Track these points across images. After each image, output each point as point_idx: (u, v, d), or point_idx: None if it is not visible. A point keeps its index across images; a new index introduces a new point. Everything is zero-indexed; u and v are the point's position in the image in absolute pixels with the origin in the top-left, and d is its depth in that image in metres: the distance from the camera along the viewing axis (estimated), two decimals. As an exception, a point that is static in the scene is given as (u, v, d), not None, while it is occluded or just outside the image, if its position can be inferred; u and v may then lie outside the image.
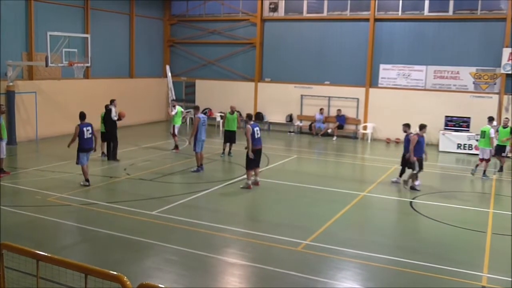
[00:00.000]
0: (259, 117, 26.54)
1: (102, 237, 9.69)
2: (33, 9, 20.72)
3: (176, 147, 19.16)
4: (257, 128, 13.95)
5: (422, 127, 14.29)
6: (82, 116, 13.58)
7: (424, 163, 14.42)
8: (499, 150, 16.83)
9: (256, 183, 13.97)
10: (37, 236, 9.76)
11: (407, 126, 14.82)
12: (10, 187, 13.29)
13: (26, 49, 20.76)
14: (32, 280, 5.39)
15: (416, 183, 14.14)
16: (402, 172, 14.86)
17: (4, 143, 14.42)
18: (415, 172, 14.02)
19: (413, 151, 13.88)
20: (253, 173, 13.91)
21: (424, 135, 14.35)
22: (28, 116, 20.62)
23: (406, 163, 14.63)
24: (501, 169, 17.06)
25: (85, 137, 13.33)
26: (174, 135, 19.22)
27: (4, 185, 13.27)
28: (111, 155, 16.93)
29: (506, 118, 17.48)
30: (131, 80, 26.54)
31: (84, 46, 21.03)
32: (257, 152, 13.90)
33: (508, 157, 17.85)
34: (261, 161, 14.30)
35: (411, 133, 14.58)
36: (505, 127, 16.80)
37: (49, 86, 21.46)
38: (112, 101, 17.19)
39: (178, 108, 19.52)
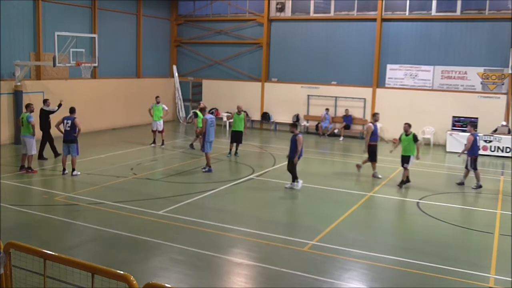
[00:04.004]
0: (265, 117, 26.57)
1: (109, 237, 9.72)
2: (41, 9, 20.82)
3: (154, 141, 20.16)
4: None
5: None
6: (70, 110, 14.71)
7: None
8: (402, 161, 14.57)
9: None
10: (44, 236, 9.81)
11: (294, 126, 14.06)
12: (17, 186, 13.38)
13: (34, 49, 20.87)
14: (40, 279, 5.42)
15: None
16: (294, 177, 13.83)
17: (33, 140, 14.76)
18: None
19: None
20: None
21: None
22: (36, 116, 20.66)
23: (291, 167, 13.75)
24: (402, 183, 14.46)
25: (63, 129, 14.47)
26: (156, 131, 20.25)
27: (12, 185, 13.35)
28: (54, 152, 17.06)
29: (406, 123, 14.67)
30: (138, 80, 26.61)
31: (91, 46, 21.14)
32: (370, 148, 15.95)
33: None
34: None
35: (298, 133, 13.70)
36: (407, 134, 14.49)
37: (57, 86, 21.55)
38: (45, 101, 17.37)
39: (160, 105, 20.48)
